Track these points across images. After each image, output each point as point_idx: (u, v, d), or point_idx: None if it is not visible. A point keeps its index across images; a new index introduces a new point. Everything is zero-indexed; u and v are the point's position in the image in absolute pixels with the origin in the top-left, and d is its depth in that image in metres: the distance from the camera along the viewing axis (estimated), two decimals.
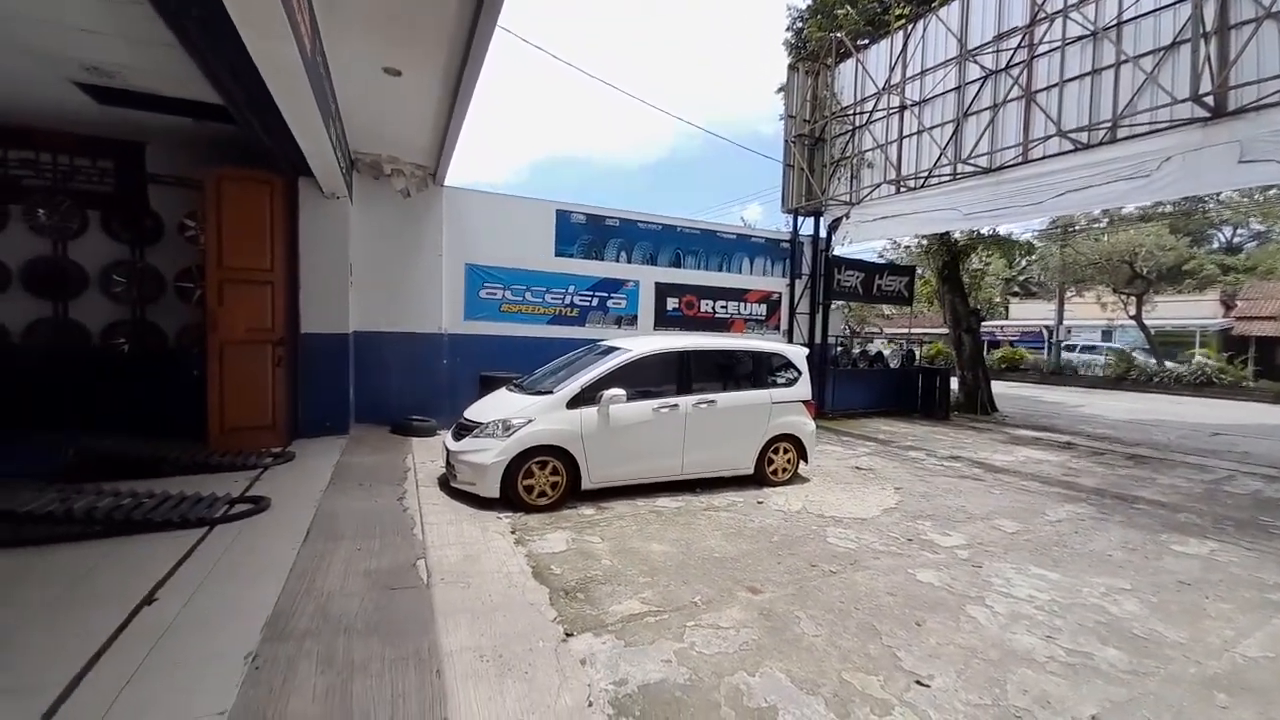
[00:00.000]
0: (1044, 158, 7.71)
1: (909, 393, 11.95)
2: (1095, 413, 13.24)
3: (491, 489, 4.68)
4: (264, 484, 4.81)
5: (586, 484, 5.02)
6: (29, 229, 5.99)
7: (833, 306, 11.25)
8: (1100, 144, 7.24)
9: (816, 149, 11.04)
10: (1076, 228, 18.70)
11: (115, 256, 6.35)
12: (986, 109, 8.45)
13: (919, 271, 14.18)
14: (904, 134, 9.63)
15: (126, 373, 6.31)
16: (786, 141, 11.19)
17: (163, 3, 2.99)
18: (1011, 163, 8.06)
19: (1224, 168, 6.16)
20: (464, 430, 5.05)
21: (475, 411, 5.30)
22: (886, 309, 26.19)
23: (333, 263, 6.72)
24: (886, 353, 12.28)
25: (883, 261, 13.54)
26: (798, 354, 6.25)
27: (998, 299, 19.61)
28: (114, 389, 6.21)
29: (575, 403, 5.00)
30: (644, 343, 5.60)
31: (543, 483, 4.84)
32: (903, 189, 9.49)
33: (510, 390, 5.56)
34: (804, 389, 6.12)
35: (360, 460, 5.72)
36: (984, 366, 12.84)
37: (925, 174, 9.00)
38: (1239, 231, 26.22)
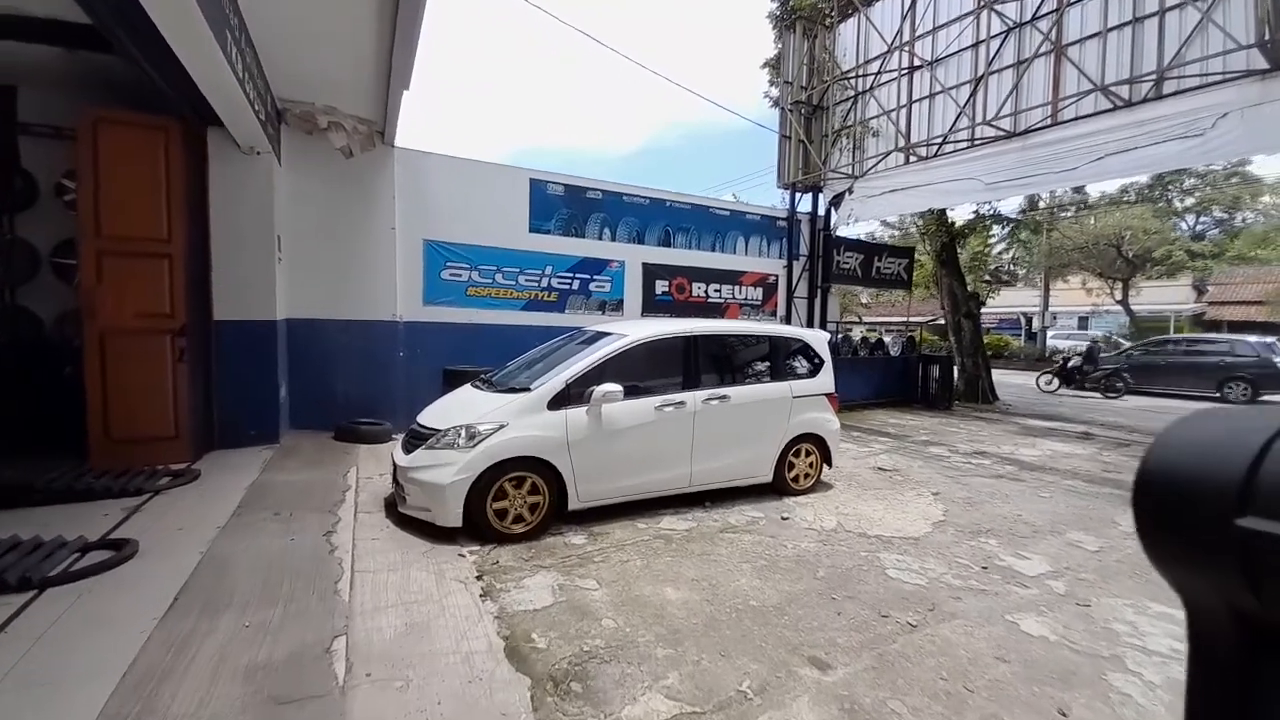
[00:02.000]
0: (1078, 118, 6.93)
1: (909, 382, 11.24)
2: (1096, 401, 12.79)
3: (451, 516, 3.61)
4: (144, 517, 3.63)
5: (574, 503, 3.99)
6: None
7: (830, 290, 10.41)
8: (1144, 101, 6.48)
9: (815, 118, 10.13)
10: (1066, 210, 18.34)
11: None
12: (1009, 67, 7.63)
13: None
14: (914, 98, 8.77)
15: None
16: (782, 109, 10.24)
17: None
18: (1039, 125, 7.26)
19: None
20: (417, 439, 3.95)
21: (432, 415, 4.20)
22: (864, 297, 25.77)
23: (254, 234, 5.47)
24: (887, 340, 11.57)
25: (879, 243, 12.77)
26: (819, 340, 5.31)
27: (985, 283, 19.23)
28: None
29: (559, 402, 3.95)
30: (641, 327, 4.57)
31: (519, 505, 3.79)
32: (913, 159, 8.64)
33: (477, 388, 4.47)
34: (827, 380, 5.19)
35: (286, 478, 4.56)
36: (984, 354, 12.22)
37: (939, 140, 8.16)
38: (1201, 219, 26.57)
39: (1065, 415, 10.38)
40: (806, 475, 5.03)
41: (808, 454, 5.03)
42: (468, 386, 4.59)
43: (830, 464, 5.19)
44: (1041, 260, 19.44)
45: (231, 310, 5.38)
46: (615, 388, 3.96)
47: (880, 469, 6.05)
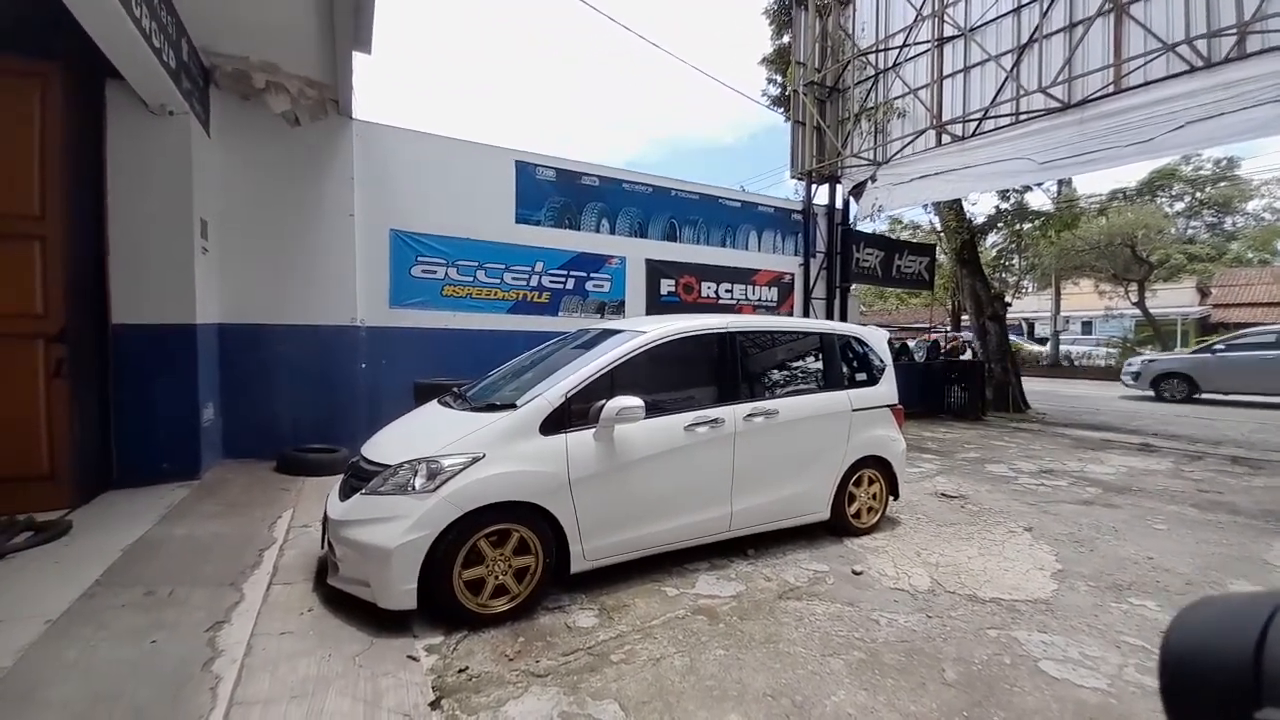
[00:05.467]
0: (1147, 84, 6.04)
1: (935, 390, 10.26)
2: (1130, 407, 11.89)
3: (398, 595, 2.48)
4: None
5: (579, 564, 2.88)
6: None
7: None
8: (1226, 61, 5.59)
9: (830, 102, 9.23)
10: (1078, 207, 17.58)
11: None
12: (1059, 31, 6.76)
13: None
14: (945, 73, 7.89)
15: None
16: (794, 93, 9.34)
17: None
18: (1099, 93, 6.36)
19: None
20: (357, 480, 2.83)
21: (380, 445, 3.08)
22: (862, 303, 24.96)
23: (167, 215, 4.34)
24: (911, 345, 10.62)
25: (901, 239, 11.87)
26: (877, 339, 4.28)
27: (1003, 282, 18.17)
28: None
29: (556, 424, 2.86)
30: (660, 323, 3.50)
31: (500, 571, 2.67)
32: (946, 139, 7.73)
33: (445, 405, 3.36)
34: (889, 389, 4.15)
35: (186, 531, 3.40)
36: (1013, 359, 11.30)
37: (978, 115, 7.25)
38: (1192, 223, 26.17)
39: (1112, 424, 9.43)
40: (870, 510, 3.96)
41: (870, 482, 3.96)
42: (433, 404, 3.48)
43: (897, 495, 4.12)
44: (1053, 261, 18.72)
45: (135, 311, 4.24)
46: (634, 402, 2.88)
47: (943, 495, 5.00)
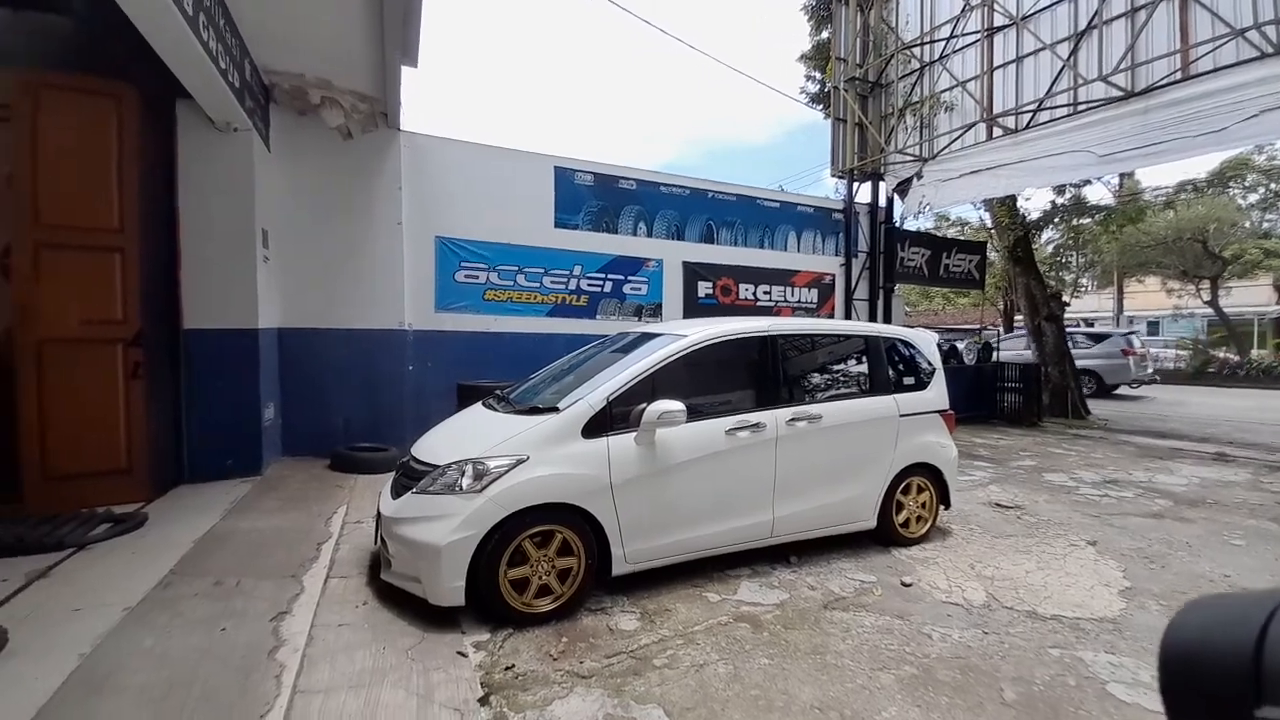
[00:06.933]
0: (1217, 70, 5.64)
1: (986, 394, 9.84)
2: (1204, 413, 11.10)
3: (448, 592, 2.55)
4: (49, 585, 2.68)
5: (621, 567, 2.89)
6: None
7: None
8: None
9: (873, 97, 8.99)
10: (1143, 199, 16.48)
11: None
12: (1120, 16, 6.39)
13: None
14: (996, 64, 7.57)
15: None
16: (834, 89, 9.14)
17: None
18: (1164, 81, 5.98)
19: None
20: (408, 479, 2.92)
21: (429, 445, 3.18)
22: (906, 303, 24.10)
23: (232, 227, 4.60)
24: (961, 346, 10.22)
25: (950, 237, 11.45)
26: (926, 341, 4.14)
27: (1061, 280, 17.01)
28: None
29: (598, 427, 2.88)
30: (701, 326, 3.48)
31: (544, 571, 2.71)
32: (998, 132, 7.42)
33: (489, 408, 3.43)
34: (939, 393, 4.00)
35: (250, 525, 3.59)
36: (1071, 361, 10.71)
37: (1032, 107, 6.93)
38: (1268, 216, 24.10)
39: (1182, 431, 8.82)
40: (919, 519, 3.83)
41: (919, 490, 3.83)
42: (477, 406, 3.56)
43: (948, 504, 3.97)
44: (1115, 258, 17.63)
45: (203, 317, 4.51)
46: (676, 406, 2.87)
47: (998, 505, 4.78)
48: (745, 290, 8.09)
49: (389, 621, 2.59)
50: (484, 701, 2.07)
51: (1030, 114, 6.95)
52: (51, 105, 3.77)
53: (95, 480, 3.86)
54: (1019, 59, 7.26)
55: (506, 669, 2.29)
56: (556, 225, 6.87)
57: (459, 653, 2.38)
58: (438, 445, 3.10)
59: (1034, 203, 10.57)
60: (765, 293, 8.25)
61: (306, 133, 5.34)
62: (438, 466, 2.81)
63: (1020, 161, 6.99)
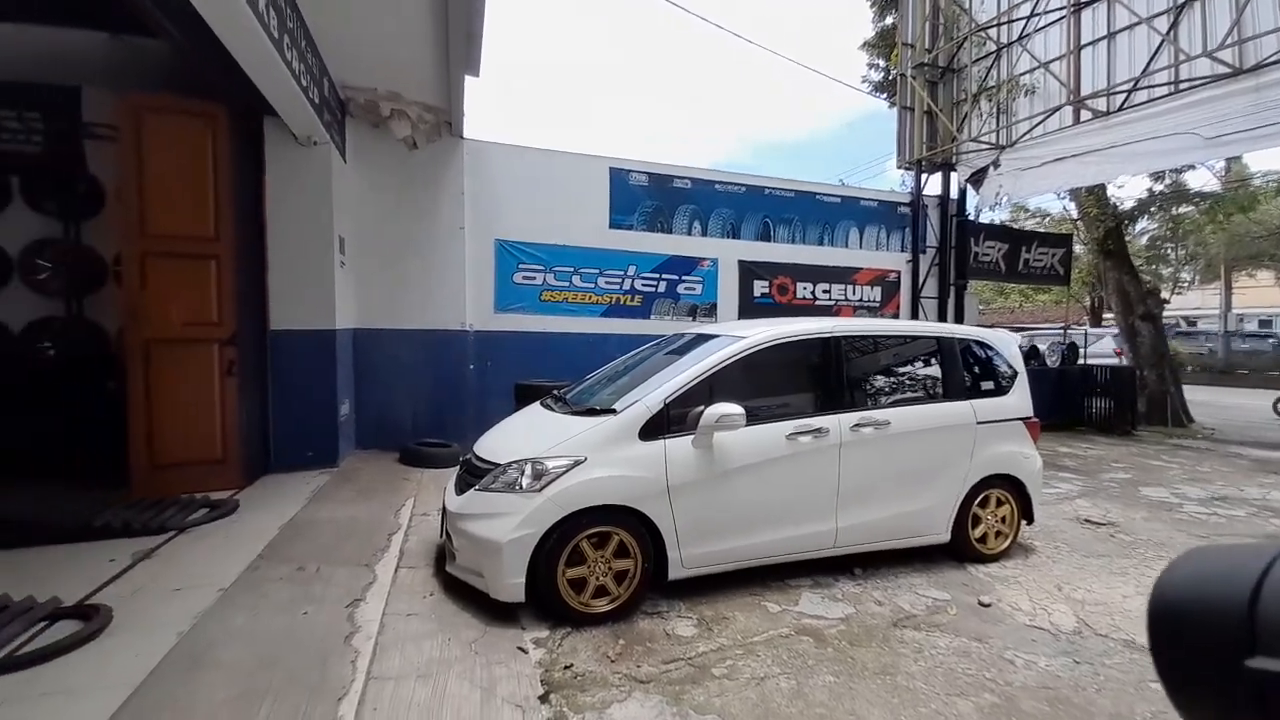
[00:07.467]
0: None
1: (1073, 399, 9.09)
2: None
3: (508, 587, 2.60)
4: (152, 565, 2.95)
5: (677, 571, 2.86)
6: None
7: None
8: None
9: (943, 83, 8.50)
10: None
11: (40, 234, 4.81)
12: None
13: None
14: (1083, 42, 6.97)
15: (48, 386, 4.73)
16: (900, 76, 8.71)
17: None
18: (1276, 57, 5.30)
19: None
20: (471, 476, 3.01)
21: (490, 444, 3.26)
22: (979, 300, 22.59)
23: (313, 234, 4.91)
24: (1042, 348, 9.46)
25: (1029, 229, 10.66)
26: (1005, 342, 3.85)
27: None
28: (30, 409, 4.63)
29: (654, 429, 2.86)
30: (760, 327, 3.39)
31: (601, 572, 2.72)
32: (1085, 115, 6.83)
33: (547, 408, 3.48)
34: (1022, 399, 3.71)
35: (328, 514, 3.81)
36: (1171, 364, 9.74)
37: (1126, 87, 6.32)
38: None
39: None
40: (999, 534, 3.57)
41: (999, 504, 3.57)
42: (536, 406, 3.62)
43: (1031, 519, 3.68)
44: (1221, 250, 15.83)
45: (288, 318, 4.83)
46: (734, 409, 2.80)
47: (1087, 521, 4.39)
48: (803, 289, 7.85)
49: (454, 614, 2.67)
50: (544, 700, 2.09)
51: (1124, 95, 6.35)
52: (154, 125, 4.14)
53: (194, 469, 4.22)
54: (1110, 35, 6.65)
55: (565, 668, 2.31)
56: (611, 226, 6.92)
57: (519, 648, 2.42)
58: (498, 444, 3.17)
59: (1126, 191, 9.65)
60: (824, 291, 7.98)
61: (377, 143, 5.62)
62: (499, 465, 2.87)
63: (1112, 147, 6.39)
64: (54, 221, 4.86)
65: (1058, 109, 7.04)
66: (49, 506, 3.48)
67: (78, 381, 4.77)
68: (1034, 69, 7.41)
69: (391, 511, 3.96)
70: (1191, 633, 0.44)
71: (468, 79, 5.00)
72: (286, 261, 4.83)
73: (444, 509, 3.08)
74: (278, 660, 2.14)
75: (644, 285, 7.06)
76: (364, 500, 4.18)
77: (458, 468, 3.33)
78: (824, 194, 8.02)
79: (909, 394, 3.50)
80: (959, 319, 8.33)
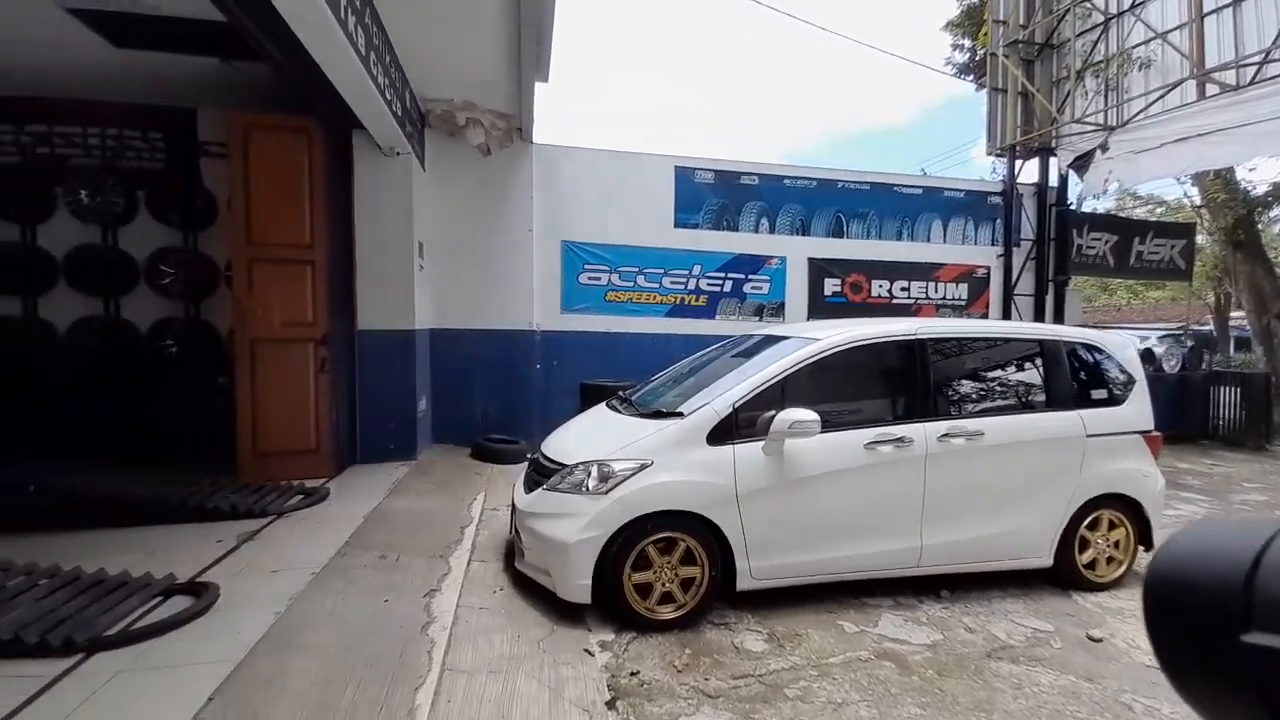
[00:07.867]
0: None
1: (1195, 408, 8.05)
2: None
3: (575, 588, 2.60)
4: (253, 547, 3.21)
5: (745, 582, 2.76)
6: (72, 214, 5.17)
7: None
8: None
9: (1040, 61, 7.78)
10: None
11: (162, 243, 5.38)
12: None
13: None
14: (1206, 9, 6.14)
15: (170, 380, 5.29)
16: (990, 56, 8.06)
17: None
18: None
19: None
20: (539, 475, 3.05)
21: (557, 444, 3.29)
22: (1083, 297, 20.52)
23: (395, 239, 5.19)
24: (1159, 351, 8.45)
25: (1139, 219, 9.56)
26: (1120, 346, 3.44)
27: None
28: (154, 400, 5.20)
29: (723, 434, 2.77)
30: (835, 328, 3.21)
31: (667, 579, 2.67)
32: (1211, 89, 6.01)
33: (613, 409, 3.47)
34: (1139, 411, 3.30)
35: (407, 505, 4.00)
36: None
37: (1258, 59, 5.50)
38: None
39: None
40: (1111, 560, 3.19)
41: (1111, 526, 3.19)
42: (601, 407, 3.62)
43: (1149, 545, 3.26)
44: None
45: (373, 319, 5.13)
46: (808, 415, 2.66)
47: None
48: (879, 287, 7.43)
49: (523, 610, 2.71)
50: (610, 705, 2.07)
51: (1256, 67, 5.52)
52: (258, 141, 4.51)
53: (291, 458, 4.57)
54: (1236, 2, 5.81)
55: (631, 674, 2.27)
56: (676, 225, 6.85)
57: (586, 650, 2.41)
58: (566, 444, 3.19)
59: (1260, 174, 8.40)
60: (903, 289, 7.52)
61: (453, 151, 5.85)
62: (566, 465, 2.88)
63: (1244, 125, 5.58)
64: (174, 231, 5.42)
65: (1179, 84, 6.24)
66: (167, 489, 3.88)
67: (195, 376, 5.30)
68: (1149, 40, 6.60)
69: (464, 505, 4.11)
70: (1188, 607, 0.43)
71: (538, 86, 5.10)
72: (371, 265, 5.12)
73: (513, 505, 3.15)
74: (361, 645, 2.25)
75: (709, 285, 6.94)
76: (439, 493, 4.36)
77: (526, 465, 3.39)
78: (903, 185, 7.56)
79: (1005, 402, 3.21)
80: (1059, 318, 7.58)
